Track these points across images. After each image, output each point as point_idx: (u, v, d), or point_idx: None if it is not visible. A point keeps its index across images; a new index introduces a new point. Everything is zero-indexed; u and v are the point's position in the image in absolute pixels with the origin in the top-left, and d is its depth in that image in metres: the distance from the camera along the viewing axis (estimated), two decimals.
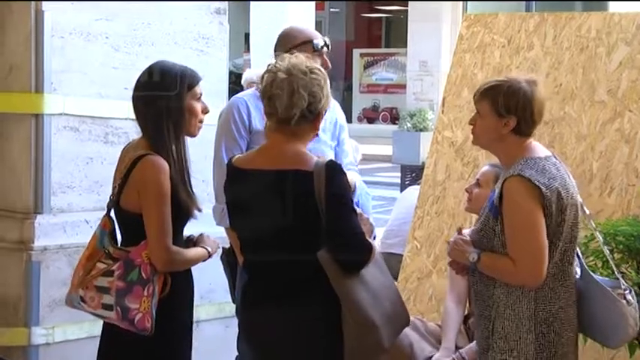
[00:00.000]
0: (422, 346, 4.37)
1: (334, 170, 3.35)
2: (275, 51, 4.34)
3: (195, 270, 3.99)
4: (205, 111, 3.74)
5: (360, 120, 24.31)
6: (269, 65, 3.45)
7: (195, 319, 3.96)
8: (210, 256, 3.74)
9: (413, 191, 6.58)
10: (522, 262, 3.35)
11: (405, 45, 21.57)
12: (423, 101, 20.13)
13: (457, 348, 4.36)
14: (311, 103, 3.36)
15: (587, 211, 3.64)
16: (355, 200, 3.98)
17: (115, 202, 3.65)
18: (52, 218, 4.86)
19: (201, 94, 3.70)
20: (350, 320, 3.34)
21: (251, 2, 12.09)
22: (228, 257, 4.28)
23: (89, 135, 4.98)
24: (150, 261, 3.53)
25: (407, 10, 21.40)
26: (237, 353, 4.52)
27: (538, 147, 3.51)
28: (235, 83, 9.84)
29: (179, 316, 3.71)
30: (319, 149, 4.06)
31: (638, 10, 6.58)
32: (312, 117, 3.39)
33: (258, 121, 4.29)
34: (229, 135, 4.30)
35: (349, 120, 20.33)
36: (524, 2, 17.98)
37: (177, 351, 3.75)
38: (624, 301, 3.50)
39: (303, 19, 11.36)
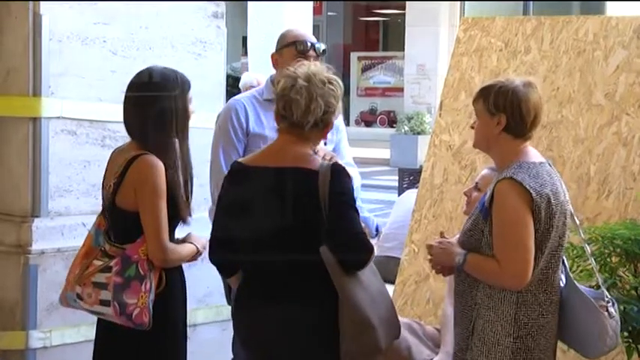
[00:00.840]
0: (420, 349, 4.37)
1: (340, 171, 3.42)
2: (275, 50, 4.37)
3: (193, 274, 4.01)
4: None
5: (357, 123, 24.31)
6: (288, 70, 3.50)
7: (192, 322, 3.99)
8: (199, 253, 3.79)
9: (411, 194, 6.59)
10: (508, 263, 3.36)
11: (402, 48, 21.58)
12: (420, 104, 20.14)
13: None
14: (325, 112, 3.45)
15: (578, 221, 3.66)
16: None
17: (110, 202, 3.68)
18: (49, 222, 4.85)
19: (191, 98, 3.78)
20: (347, 320, 3.37)
21: (249, 6, 12.09)
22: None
23: (87, 138, 4.98)
24: (147, 257, 3.60)
25: (404, 14, 21.40)
26: (232, 356, 4.53)
27: (533, 152, 3.52)
28: (233, 86, 9.84)
29: (174, 313, 3.77)
30: None
31: (635, 13, 6.60)
32: (322, 125, 3.47)
33: (256, 124, 4.31)
34: (227, 138, 4.31)
35: (347, 123, 20.33)
36: (521, 5, 18.00)
37: (172, 347, 3.78)
38: (606, 313, 3.51)
39: (301, 22, 11.36)
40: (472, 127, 3.60)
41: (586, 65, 5.42)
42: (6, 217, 4.91)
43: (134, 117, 3.74)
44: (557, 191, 3.43)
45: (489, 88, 3.52)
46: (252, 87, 8.46)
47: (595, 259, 3.98)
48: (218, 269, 3.73)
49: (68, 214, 4.91)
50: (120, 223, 3.70)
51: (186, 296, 3.85)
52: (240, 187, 3.52)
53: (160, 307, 3.64)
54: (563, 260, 3.56)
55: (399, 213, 6.80)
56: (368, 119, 24.36)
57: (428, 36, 20.12)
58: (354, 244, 3.36)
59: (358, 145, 15.61)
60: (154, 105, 3.70)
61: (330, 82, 3.46)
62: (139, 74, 3.81)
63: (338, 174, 3.40)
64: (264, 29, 11.41)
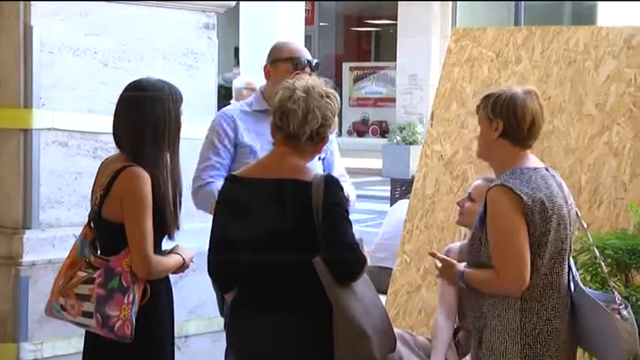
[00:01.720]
0: (412, 359, 4.37)
1: (333, 183, 3.43)
2: (266, 61, 4.37)
3: (184, 285, 4.00)
4: None
5: (349, 133, 24.33)
6: (286, 82, 3.52)
7: (184, 333, 3.98)
8: (185, 264, 3.78)
9: (403, 205, 6.59)
10: (503, 269, 3.37)
11: (394, 59, 21.62)
12: (412, 115, 20.17)
13: None
14: (322, 125, 3.46)
15: (585, 225, 3.67)
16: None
17: (96, 213, 3.68)
18: (40, 233, 4.84)
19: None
20: (341, 330, 3.38)
21: (240, 17, 12.11)
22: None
23: (78, 150, 4.98)
24: (130, 269, 3.60)
25: (396, 24, 21.45)
26: None
27: (531, 159, 3.54)
28: (225, 97, 9.85)
29: (160, 324, 3.76)
30: None
31: (626, 23, 6.61)
32: (318, 139, 3.48)
33: (245, 135, 4.30)
34: (213, 148, 4.31)
35: (339, 133, 20.35)
36: (512, 16, 18.03)
37: (158, 358, 3.77)
38: (618, 316, 3.49)
39: (293, 33, 11.37)
40: (477, 138, 3.66)
41: (577, 75, 5.43)
42: None
43: (124, 128, 3.74)
44: (552, 195, 3.44)
45: (490, 96, 3.56)
46: (243, 90, 8.48)
47: (586, 269, 3.99)
48: (217, 284, 3.73)
49: (59, 226, 4.90)
50: (105, 234, 3.70)
51: (173, 308, 3.84)
52: (235, 199, 3.52)
53: (144, 319, 3.62)
54: (570, 265, 3.56)
55: (391, 223, 6.81)
56: (360, 129, 24.38)
57: (420, 46, 20.17)
58: (347, 255, 3.37)
59: (350, 156, 15.63)
60: (146, 116, 3.69)
61: (327, 96, 3.48)
62: (131, 85, 3.80)
63: (331, 185, 3.41)
64: (256, 40, 11.43)
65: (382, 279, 5.81)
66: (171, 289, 3.82)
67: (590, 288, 3.73)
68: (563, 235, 3.46)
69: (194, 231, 4.08)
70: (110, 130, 3.80)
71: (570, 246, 3.54)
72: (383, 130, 23.07)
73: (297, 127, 3.43)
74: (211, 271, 3.59)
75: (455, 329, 4.49)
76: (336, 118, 3.54)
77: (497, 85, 5.55)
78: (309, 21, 20.38)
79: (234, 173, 3.64)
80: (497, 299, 3.45)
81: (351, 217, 3.46)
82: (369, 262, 3.50)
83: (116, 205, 3.63)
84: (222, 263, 3.54)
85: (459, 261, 3.67)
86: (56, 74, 4.89)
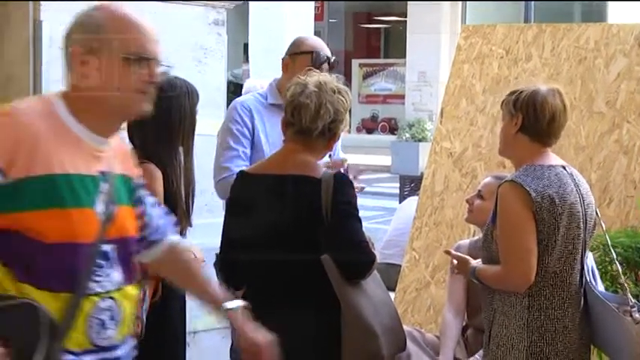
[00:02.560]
0: (420, 357, 4.35)
1: (343, 181, 3.43)
2: (285, 54, 4.36)
3: None
4: None
5: (359, 130, 24.30)
6: (297, 78, 3.52)
7: (192, 329, 3.97)
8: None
9: (412, 202, 6.58)
10: (509, 264, 3.38)
11: (403, 55, 21.59)
12: (421, 112, 20.14)
13: (455, 359, 4.35)
14: (333, 121, 3.44)
15: (604, 226, 3.67)
16: None
17: None
18: None
19: None
20: (350, 327, 3.37)
21: (250, 13, 12.10)
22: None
23: None
24: (141, 267, 3.58)
25: (406, 21, 21.42)
26: None
27: (550, 157, 3.54)
28: (234, 93, 9.84)
29: (170, 321, 3.75)
30: None
31: (637, 20, 6.59)
32: (329, 135, 3.47)
33: (261, 128, 4.26)
34: (232, 136, 4.24)
35: (348, 130, 20.28)
36: (522, 13, 18.01)
37: (169, 355, 3.77)
38: (630, 319, 3.47)
39: (302, 29, 11.36)
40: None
41: (587, 73, 5.41)
42: None
43: (138, 124, 3.73)
44: (565, 193, 3.42)
45: (514, 92, 3.57)
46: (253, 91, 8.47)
47: (597, 267, 3.97)
48: (227, 282, 3.72)
49: None
50: None
51: (185, 304, 3.83)
52: (244, 196, 3.51)
53: (156, 316, 3.61)
54: (584, 264, 3.55)
55: (400, 220, 6.79)
56: (369, 126, 24.35)
57: (429, 43, 20.13)
58: (356, 254, 3.36)
59: (359, 152, 15.63)
60: (161, 114, 3.67)
61: (339, 92, 3.47)
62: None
63: (341, 183, 3.40)
64: (266, 36, 11.41)
65: (391, 276, 5.80)
66: None
67: (624, 284, 3.70)
68: (575, 233, 3.45)
69: (200, 227, 4.08)
70: None
71: (584, 245, 3.52)
72: (392, 127, 23.03)
73: (310, 121, 3.41)
74: (222, 270, 3.57)
75: (463, 327, 4.48)
76: (347, 115, 3.54)
77: (507, 82, 5.53)
78: (318, 17, 20.36)
79: (244, 170, 3.64)
80: (506, 295, 3.45)
81: (360, 214, 3.45)
82: (378, 259, 3.49)
83: None
84: (234, 261, 3.53)
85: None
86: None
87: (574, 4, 20.16)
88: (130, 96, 2.44)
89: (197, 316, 5.11)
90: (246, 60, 13.86)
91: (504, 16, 18.51)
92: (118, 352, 2.50)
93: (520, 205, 3.37)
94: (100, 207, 2.41)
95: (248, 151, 4.22)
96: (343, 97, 3.47)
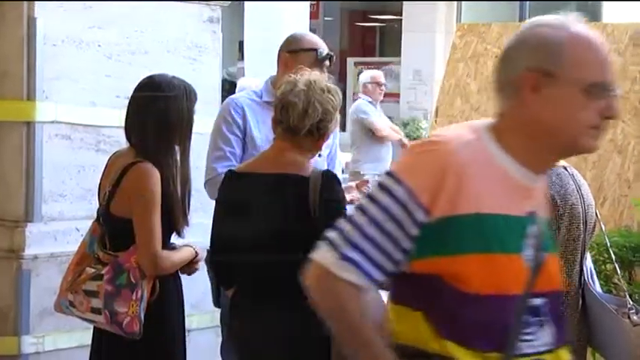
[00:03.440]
0: None
1: (331, 179, 3.43)
2: (280, 50, 4.34)
3: (187, 279, 3.98)
4: None
5: None
6: (289, 76, 3.51)
7: (186, 327, 3.96)
8: (195, 258, 3.77)
9: None
10: None
11: (398, 54, 21.56)
12: (416, 110, 20.12)
13: None
14: (322, 120, 3.45)
15: (604, 227, 3.66)
16: None
17: (105, 208, 3.67)
18: (43, 226, 4.83)
19: None
20: None
21: (245, 10, 12.10)
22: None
23: (81, 143, 4.96)
24: (139, 265, 3.57)
25: (401, 20, 21.41)
26: None
27: None
28: (229, 91, 9.83)
29: (170, 320, 3.75)
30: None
31: (631, 19, 6.59)
32: (318, 135, 3.47)
33: (253, 124, 4.26)
34: (224, 138, 4.25)
35: (343, 128, 20.30)
36: (517, 13, 18.01)
37: (168, 354, 3.76)
38: (627, 321, 3.47)
39: (298, 27, 11.36)
40: None
41: None
42: None
43: (137, 123, 3.73)
44: (566, 193, 3.42)
45: None
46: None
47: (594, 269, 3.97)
48: (219, 280, 3.72)
49: (62, 219, 4.89)
50: (114, 230, 3.69)
51: (183, 302, 3.83)
52: (233, 195, 3.51)
53: (153, 314, 3.61)
54: (584, 265, 3.54)
55: None
56: None
57: (424, 42, 20.12)
58: None
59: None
60: (159, 114, 3.67)
61: (329, 91, 3.47)
62: (146, 81, 3.78)
63: (329, 181, 3.40)
64: (261, 34, 11.42)
65: None
66: (181, 285, 3.81)
67: (622, 286, 3.71)
68: (575, 234, 3.45)
69: (195, 226, 4.07)
70: (113, 123, 3.81)
71: (584, 246, 3.52)
72: None
73: (297, 120, 3.42)
74: (213, 268, 3.58)
75: None
76: (338, 115, 3.53)
77: None
78: (313, 15, 20.33)
79: (233, 169, 3.64)
80: None
81: None
82: None
83: (125, 202, 3.62)
84: (224, 259, 3.53)
85: None
86: (59, 67, 4.88)
87: (569, 3, 20.13)
88: (583, 132, 2.13)
89: (191, 315, 5.12)
90: (242, 58, 13.86)
91: (500, 16, 18.50)
92: None
93: None
94: (528, 253, 2.11)
95: (237, 150, 4.23)
96: (333, 96, 3.47)
